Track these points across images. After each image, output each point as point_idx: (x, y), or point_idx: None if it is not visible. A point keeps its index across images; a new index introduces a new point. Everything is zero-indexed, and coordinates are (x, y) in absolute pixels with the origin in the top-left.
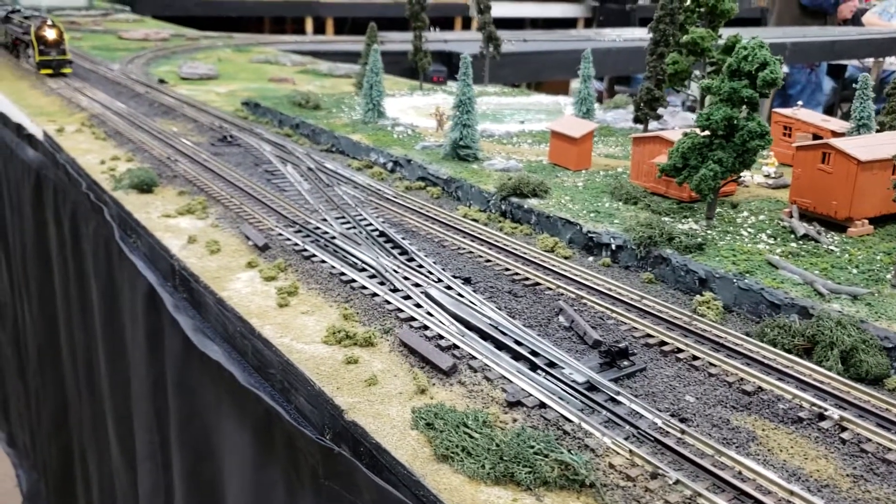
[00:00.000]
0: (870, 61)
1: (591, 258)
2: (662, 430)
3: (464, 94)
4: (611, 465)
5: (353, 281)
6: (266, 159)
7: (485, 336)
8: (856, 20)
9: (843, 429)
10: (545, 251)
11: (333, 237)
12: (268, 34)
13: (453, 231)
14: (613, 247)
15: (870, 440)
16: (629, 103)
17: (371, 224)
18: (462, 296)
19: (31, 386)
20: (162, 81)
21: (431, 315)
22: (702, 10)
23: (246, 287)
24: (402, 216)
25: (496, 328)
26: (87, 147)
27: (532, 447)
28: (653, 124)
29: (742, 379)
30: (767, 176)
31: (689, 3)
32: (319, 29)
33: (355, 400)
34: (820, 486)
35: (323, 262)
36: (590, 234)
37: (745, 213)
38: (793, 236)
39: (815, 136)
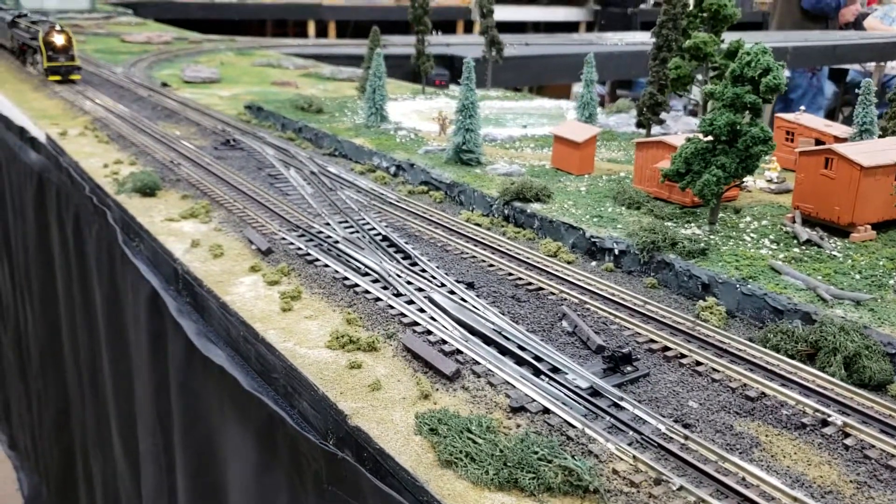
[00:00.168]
0: (871, 65)
1: (594, 263)
2: (666, 436)
3: (467, 99)
4: (614, 471)
5: (357, 285)
6: (269, 163)
7: (488, 341)
8: (857, 24)
9: (847, 435)
10: (548, 256)
11: (336, 241)
12: (270, 37)
13: (456, 235)
14: (616, 252)
15: (873, 446)
16: (632, 108)
17: (374, 228)
18: (465, 301)
19: (33, 388)
20: (165, 85)
21: (435, 320)
22: (704, 15)
23: (249, 291)
24: (405, 220)
25: (499, 333)
26: (90, 150)
27: (536, 453)
28: (655, 129)
29: (745, 385)
30: (770, 181)
31: (691, 8)
32: (322, 32)
33: (359, 405)
34: (823, 492)
35: (326, 266)
36: (593, 239)
37: (748, 218)
38: (795, 241)
39: (818, 142)
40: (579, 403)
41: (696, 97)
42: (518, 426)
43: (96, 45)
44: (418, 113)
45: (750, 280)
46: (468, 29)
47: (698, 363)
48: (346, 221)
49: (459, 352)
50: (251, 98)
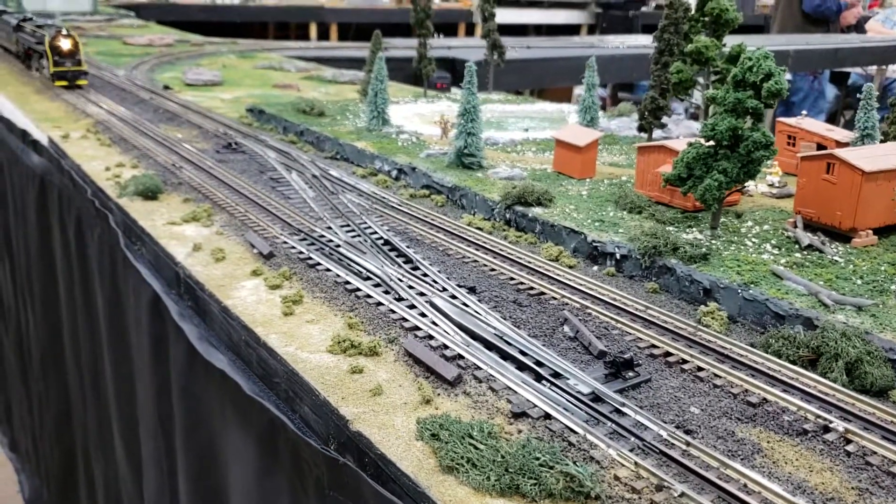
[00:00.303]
0: (873, 69)
1: (595, 267)
2: (667, 442)
3: (468, 103)
4: (616, 478)
5: (358, 290)
6: (271, 166)
7: (490, 346)
8: (859, 27)
9: (849, 441)
10: (550, 260)
11: (338, 245)
12: (272, 40)
13: (458, 239)
14: (618, 256)
15: (875, 453)
16: (633, 111)
17: (376, 232)
18: (467, 305)
19: (34, 391)
20: (167, 87)
21: (436, 324)
22: (706, 19)
23: (251, 295)
24: (406, 224)
25: (501, 338)
26: (92, 153)
27: (537, 458)
28: (657, 133)
29: (747, 390)
30: (771, 185)
31: (693, 12)
32: (323, 35)
33: (360, 410)
34: (825, 499)
35: (328, 270)
36: (594, 244)
37: (750, 223)
38: (797, 246)
39: (820, 146)
40: (581, 409)
41: (698, 101)
42: (519, 432)
43: (98, 47)
44: (420, 116)
45: (751, 285)
46: (470, 32)
47: (700, 368)
48: (348, 225)
49: (461, 357)
50: (253, 101)
